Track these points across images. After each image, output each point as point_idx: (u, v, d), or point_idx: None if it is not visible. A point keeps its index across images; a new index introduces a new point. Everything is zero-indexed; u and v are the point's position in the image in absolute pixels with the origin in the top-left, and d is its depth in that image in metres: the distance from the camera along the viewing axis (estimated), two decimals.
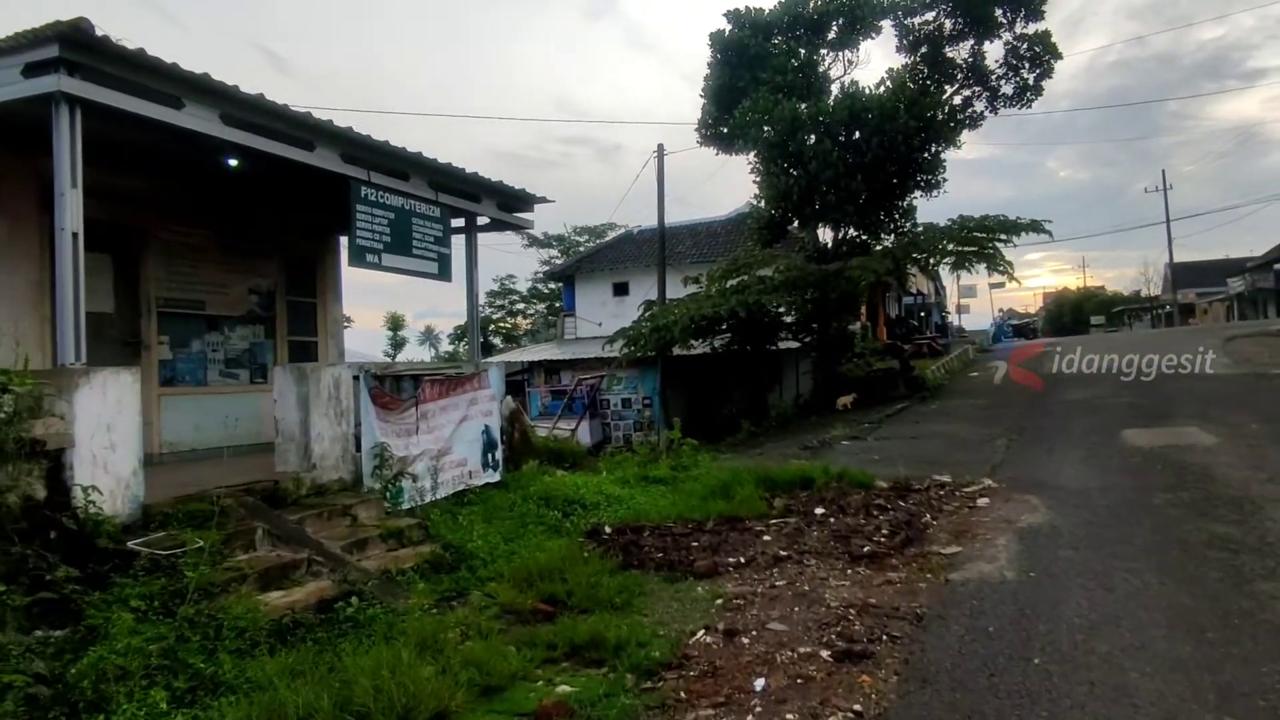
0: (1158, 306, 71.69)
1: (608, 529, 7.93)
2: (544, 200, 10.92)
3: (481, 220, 10.67)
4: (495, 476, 9.54)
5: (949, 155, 21.97)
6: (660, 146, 24.91)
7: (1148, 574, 5.58)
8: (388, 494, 7.69)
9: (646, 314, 22.65)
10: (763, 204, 21.48)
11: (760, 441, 16.80)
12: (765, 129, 19.76)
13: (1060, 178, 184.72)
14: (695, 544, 7.17)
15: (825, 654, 4.58)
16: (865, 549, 6.60)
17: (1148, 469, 9.06)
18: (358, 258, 8.36)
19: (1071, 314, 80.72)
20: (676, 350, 24.00)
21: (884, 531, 7.10)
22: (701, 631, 5.08)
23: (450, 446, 8.94)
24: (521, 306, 55.14)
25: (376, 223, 8.43)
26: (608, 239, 38.05)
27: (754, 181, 21.11)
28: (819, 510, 8.05)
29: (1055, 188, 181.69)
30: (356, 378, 7.91)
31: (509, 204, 10.68)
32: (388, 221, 8.58)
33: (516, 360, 34.24)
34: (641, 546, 7.18)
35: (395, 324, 55.86)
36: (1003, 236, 20.40)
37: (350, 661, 4.42)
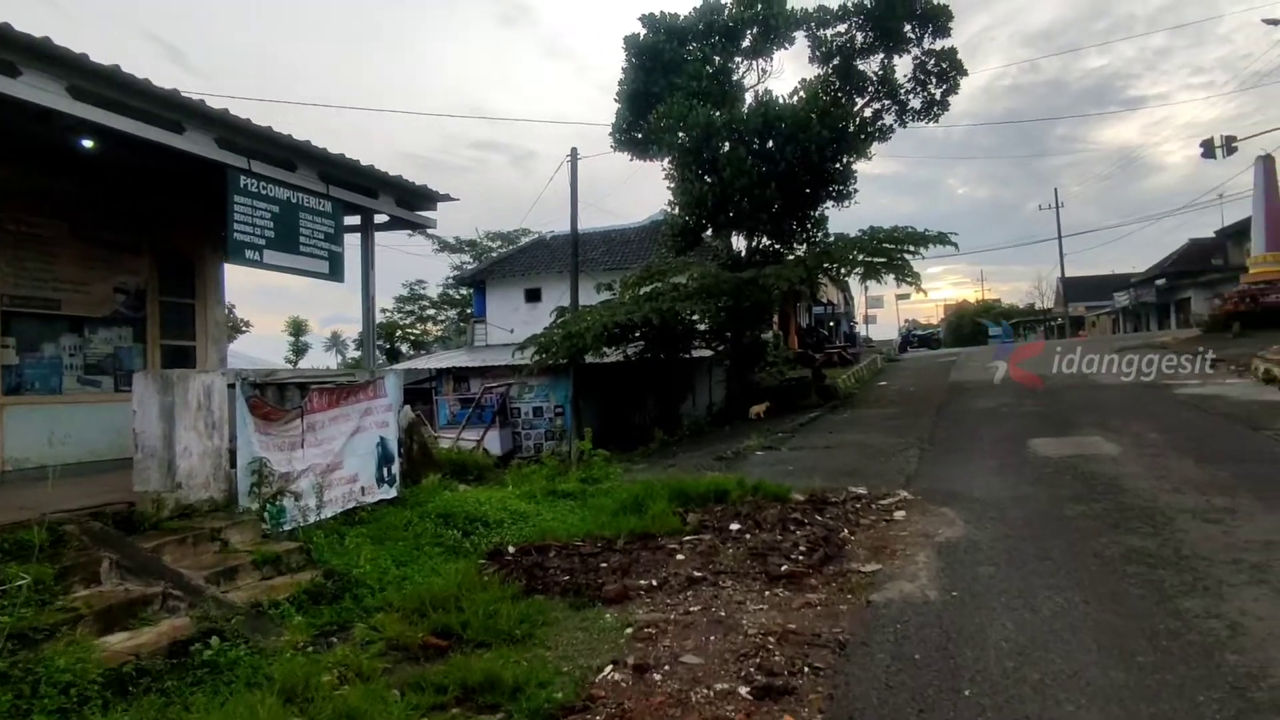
0: (1050, 319, 75.18)
1: (511, 549, 7.39)
2: (447, 198, 10.29)
3: (379, 218, 9.97)
4: (391, 493, 8.86)
5: (859, 167, 22.25)
6: (574, 151, 24.49)
7: (1070, 591, 5.40)
8: (266, 515, 6.97)
9: (559, 321, 22.10)
10: (677, 211, 21.27)
11: (673, 452, 16.47)
12: (680, 135, 19.56)
13: (959, 194, 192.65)
14: (604, 565, 6.70)
15: (744, 690, 4.17)
16: (783, 568, 6.25)
17: (1058, 479, 9.05)
18: (236, 253, 7.60)
19: (971, 325, 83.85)
20: (589, 358, 23.55)
21: (802, 548, 6.77)
22: (610, 667, 4.61)
23: (341, 460, 8.24)
24: (432, 312, 53.79)
25: (258, 216, 7.69)
26: (520, 244, 37.33)
27: (668, 188, 20.93)
28: (734, 526, 7.69)
29: (955, 204, 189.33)
30: (232, 385, 7.16)
31: (409, 201, 10.02)
32: (271, 215, 7.84)
33: (423, 367, 33.13)
34: (547, 569, 6.67)
35: (297, 329, 53.58)
36: (911, 248, 20.74)
37: (199, 718, 3.79)
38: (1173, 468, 9.14)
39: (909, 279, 20.91)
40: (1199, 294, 49.26)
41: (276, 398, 8.02)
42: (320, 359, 53.43)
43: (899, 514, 8.00)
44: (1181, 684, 3.96)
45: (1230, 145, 31.91)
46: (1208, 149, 31.95)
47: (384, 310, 53.07)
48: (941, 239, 20.74)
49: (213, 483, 6.85)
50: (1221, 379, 18.18)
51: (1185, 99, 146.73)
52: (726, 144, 19.80)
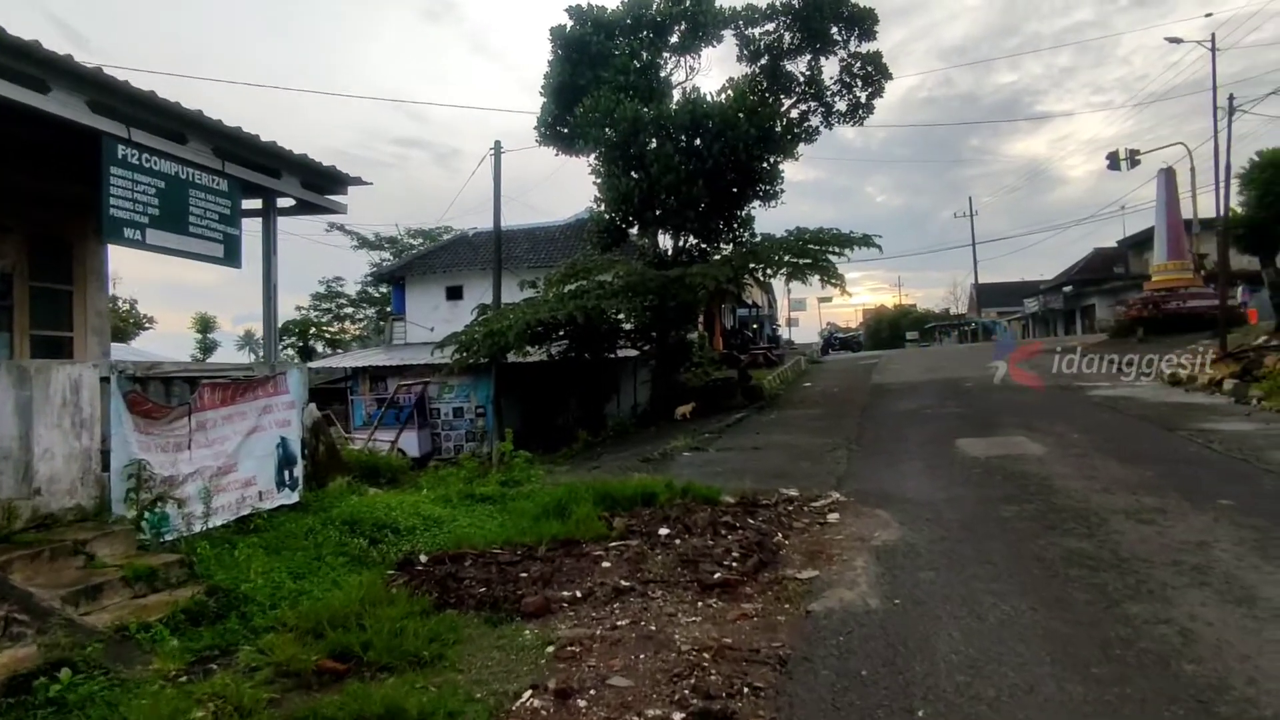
0: (964, 324, 77.47)
1: (423, 559, 6.81)
2: (359, 181, 9.60)
3: (284, 201, 9.22)
4: (293, 497, 8.16)
5: (786, 168, 22.28)
6: (497, 144, 23.81)
7: (1015, 598, 5.16)
8: (144, 524, 6.23)
9: (480, 319, 21.40)
10: (603, 207, 20.81)
11: (598, 453, 16.04)
12: (607, 130, 19.13)
13: (878, 202, 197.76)
14: (525, 575, 6.19)
15: (679, 716, 3.76)
16: (716, 575, 5.87)
17: (989, 480, 8.95)
18: (113, 232, 6.82)
19: (889, 329, 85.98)
20: (511, 357, 22.93)
21: (735, 554, 6.40)
22: (529, 693, 4.12)
23: (235, 463, 7.52)
24: (350, 311, 51.95)
25: (140, 191, 6.92)
26: (442, 241, 36.26)
27: (594, 183, 20.44)
28: (663, 531, 7.28)
29: (873, 211, 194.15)
30: (106, 379, 6.39)
31: (317, 183, 9.31)
32: (156, 191, 7.07)
33: (339, 366, 31.86)
34: (462, 580, 6.13)
35: (204, 326, 50.92)
36: (836, 249, 20.81)
37: None
38: (1099, 468, 9.15)
39: (834, 280, 20.92)
40: (1103, 300, 51.38)
41: (161, 394, 7.26)
42: (231, 358, 50.97)
43: (832, 516, 7.73)
44: (1144, 698, 3.70)
45: (1134, 158, 33.22)
46: (1113, 161, 33.16)
47: (299, 308, 51.11)
48: (866, 241, 20.87)
49: (80, 489, 6.08)
50: (1130, 381, 18.75)
51: (1088, 115, 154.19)
52: (654, 140, 19.48)
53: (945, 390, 19.63)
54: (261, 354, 44.75)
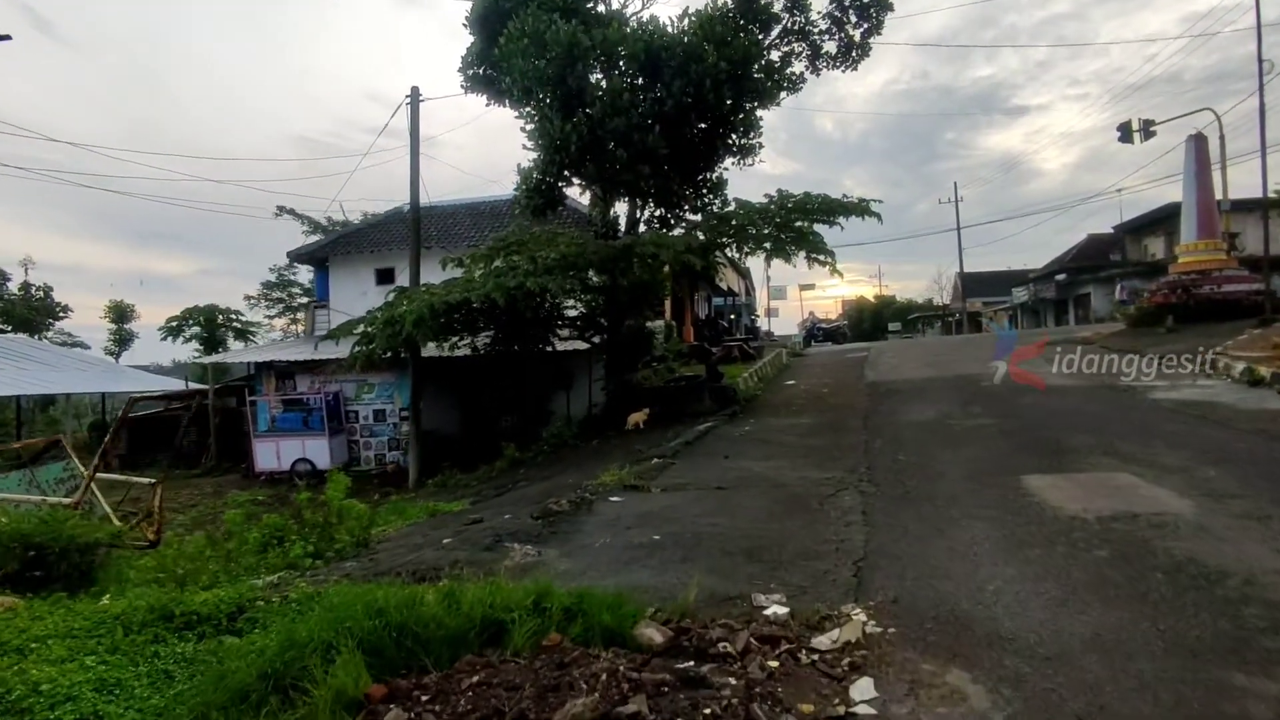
0: (949, 314, 74.24)
1: None
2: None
3: None
4: None
5: (761, 144, 17.91)
6: (414, 90, 19.48)
7: None
8: None
9: (384, 304, 17.18)
10: (532, 161, 16.58)
11: (508, 482, 12.00)
12: (535, 61, 14.92)
13: (855, 195, 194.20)
14: None
15: None
16: None
17: (1142, 579, 4.81)
18: None
19: (871, 320, 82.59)
20: (434, 350, 18.79)
21: None
22: None
23: None
24: (306, 301, 47.31)
25: None
26: (372, 216, 31.78)
27: (523, 131, 16.19)
28: None
29: (843, 230, 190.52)
30: None
31: None
32: None
33: (240, 361, 27.52)
34: None
35: (120, 315, 46.05)
36: (826, 218, 16.85)
37: None
38: None
39: (823, 259, 16.97)
40: (1099, 289, 48.08)
41: None
42: (154, 350, 46.00)
43: (860, 685, 3.67)
44: None
45: (1149, 129, 29.90)
46: (1124, 133, 29.96)
47: (248, 297, 46.44)
48: (861, 209, 16.94)
49: None
50: (1191, 380, 14.89)
51: (1064, 109, 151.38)
52: (597, 73, 15.32)
53: (960, 391, 15.67)
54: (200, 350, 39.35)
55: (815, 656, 4.01)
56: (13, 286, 46.17)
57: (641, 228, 18.08)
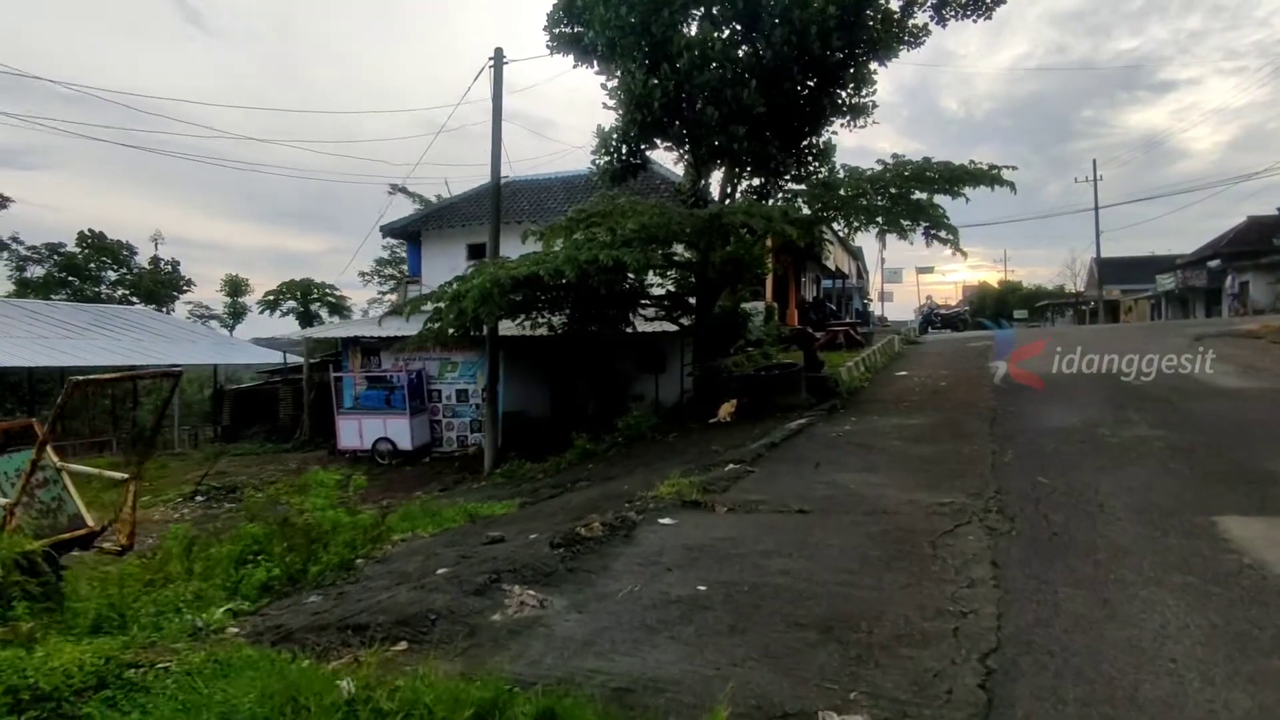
0: (1082, 302, 68.77)
1: None
2: None
3: None
4: None
5: (875, 103, 15.69)
6: (498, 51, 18.20)
7: None
8: None
9: (458, 277, 16.02)
10: (613, 123, 14.96)
11: (575, 476, 10.55)
12: (618, 7, 13.29)
13: (974, 190, 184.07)
14: None
15: None
16: None
17: None
18: None
19: (994, 307, 77.50)
20: (511, 328, 17.59)
21: None
22: None
23: None
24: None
25: None
26: (465, 191, 30.96)
27: (603, 88, 14.59)
28: None
29: (968, 203, 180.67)
30: None
31: None
32: None
33: (325, 336, 27.22)
34: None
35: (234, 289, 47.42)
36: (952, 188, 14.59)
37: None
38: None
39: (944, 234, 14.77)
40: (1259, 277, 42.96)
41: None
42: (263, 326, 47.26)
43: None
44: None
45: None
46: None
47: (362, 273, 47.21)
48: (992, 177, 14.59)
49: None
50: None
51: (1218, 84, 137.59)
52: (686, 23, 13.56)
53: (1109, 392, 13.23)
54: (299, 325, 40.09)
55: None
56: (143, 260, 48.17)
57: (738, 199, 16.27)
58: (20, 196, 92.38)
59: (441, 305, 14.50)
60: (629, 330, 16.55)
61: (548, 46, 17.02)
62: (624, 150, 14.72)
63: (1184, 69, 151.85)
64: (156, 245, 49.33)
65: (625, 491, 7.98)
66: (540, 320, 16.10)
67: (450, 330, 14.27)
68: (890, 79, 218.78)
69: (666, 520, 6.34)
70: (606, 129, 14.86)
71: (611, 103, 14.47)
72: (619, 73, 13.94)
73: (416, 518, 8.50)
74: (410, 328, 22.07)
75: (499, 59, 18.24)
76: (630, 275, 14.23)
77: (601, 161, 15.15)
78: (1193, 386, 13.10)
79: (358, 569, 5.74)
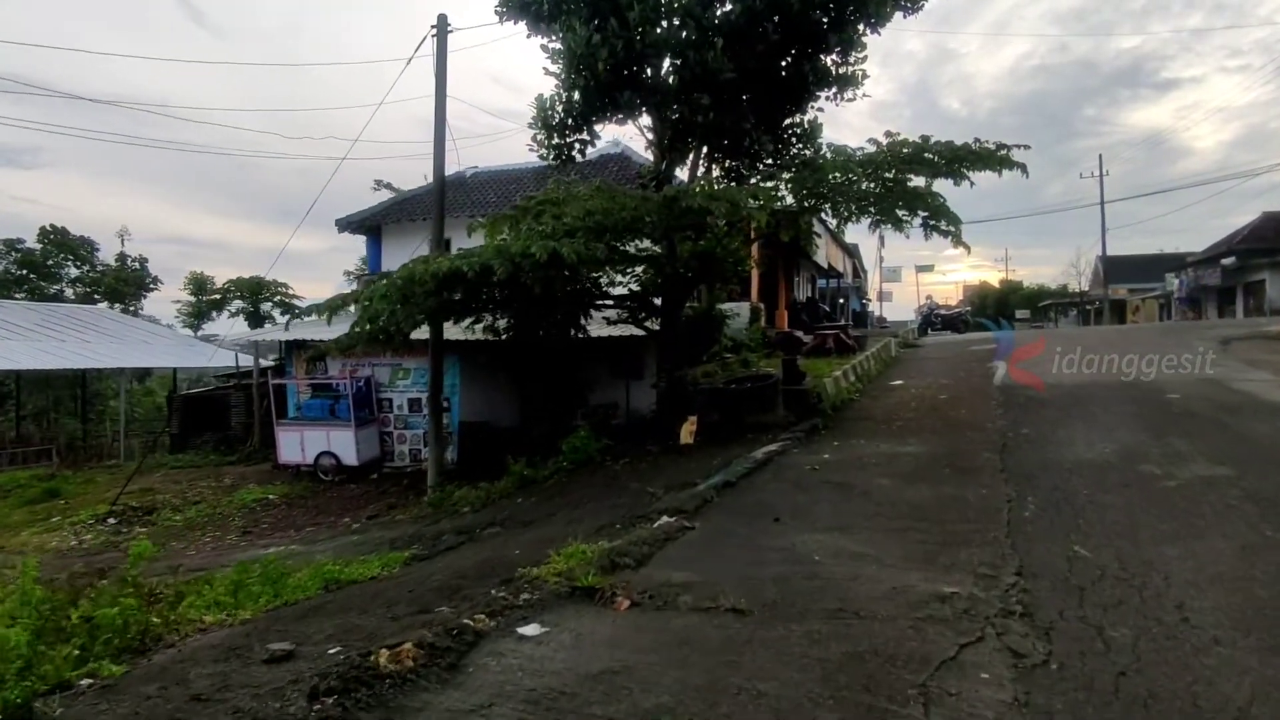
0: (1087, 302, 66.69)
1: None
2: None
3: None
4: None
5: (866, 73, 13.53)
6: (442, 18, 16.08)
7: None
8: None
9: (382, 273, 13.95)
10: (552, 91, 12.78)
11: (493, 517, 8.43)
12: None
13: (978, 177, 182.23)
14: None
15: None
16: None
17: None
18: None
19: (995, 307, 75.39)
20: (458, 331, 15.54)
21: None
22: None
23: None
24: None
25: None
26: (428, 184, 28.84)
27: (543, 50, 12.43)
28: None
29: (973, 188, 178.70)
30: None
31: None
32: None
33: (267, 339, 25.14)
34: None
35: (199, 287, 45.17)
36: (953, 170, 12.54)
37: None
38: None
39: (945, 225, 12.76)
40: (1277, 276, 41.05)
41: None
42: (228, 325, 45.01)
43: None
44: None
45: None
46: None
47: (347, 272, 45.06)
48: (1001, 159, 12.57)
49: None
50: None
51: (1221, 82, 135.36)
52: None
53: (1139, 407, 11.16)
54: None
55: None
56: (108, 257, 46.04)
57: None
58: (31, 197, 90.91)
59: (363, 305, 12.42)
60: (579, 335, 14.45)
61: (496, 12, 14.91)
62: (568, 122, 12.55)
63: (1187, 67, 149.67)
64: (123, 241, 47.26)
65: (516, 558, 5.90)
66: (478, 323, 14.05)
67: (370, 337, 12.17)
68: (891, 79, 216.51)
69: (530, 629, 4.22)
70: (546, 97, 12.71)
71: (554, 68, 12.34)
72: (561, 32, 11.82)
73: (250, 585, 6.41)
74: (286, 332, 19.97)
75: (442, 26, 16.12)
76: (579, 271, 12.13)
77: (539, 136, 13.01)
78: (1240, 402, 11.01)
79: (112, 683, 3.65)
